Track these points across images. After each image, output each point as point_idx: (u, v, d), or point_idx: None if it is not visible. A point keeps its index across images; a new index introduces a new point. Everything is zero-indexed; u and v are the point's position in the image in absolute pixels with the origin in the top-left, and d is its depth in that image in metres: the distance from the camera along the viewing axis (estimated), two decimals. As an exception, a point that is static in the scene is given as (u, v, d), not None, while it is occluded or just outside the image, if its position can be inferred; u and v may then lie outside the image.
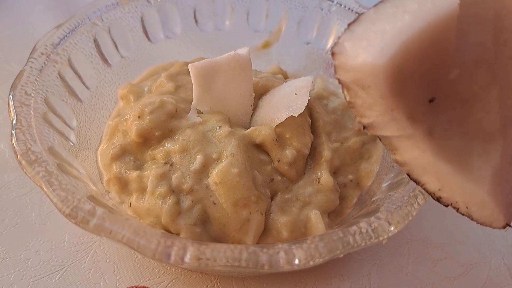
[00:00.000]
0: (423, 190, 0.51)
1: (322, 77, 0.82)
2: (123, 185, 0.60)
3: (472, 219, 0.50)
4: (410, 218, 0.49)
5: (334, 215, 0.63)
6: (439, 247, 0.68)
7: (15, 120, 0.54)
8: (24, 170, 0.50)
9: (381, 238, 0.47)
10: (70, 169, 0.55)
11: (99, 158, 0.65)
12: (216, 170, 0.56)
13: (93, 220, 0.46)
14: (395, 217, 0.49)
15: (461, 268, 0.66)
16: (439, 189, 0.49)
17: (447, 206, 0.50)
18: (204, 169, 0.57)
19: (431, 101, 0.48)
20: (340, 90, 0.76)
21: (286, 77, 0.79)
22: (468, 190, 0.48)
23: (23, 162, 0.50)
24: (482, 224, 0.50)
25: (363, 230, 0.48)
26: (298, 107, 0.61)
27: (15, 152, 0.51)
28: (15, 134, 0.52)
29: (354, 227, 0.48)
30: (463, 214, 0.50)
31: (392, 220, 0.49)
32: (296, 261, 0.44)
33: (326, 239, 0.47)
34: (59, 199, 0.47)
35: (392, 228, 0.48)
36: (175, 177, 0.57)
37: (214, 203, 0.56)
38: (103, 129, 0.70)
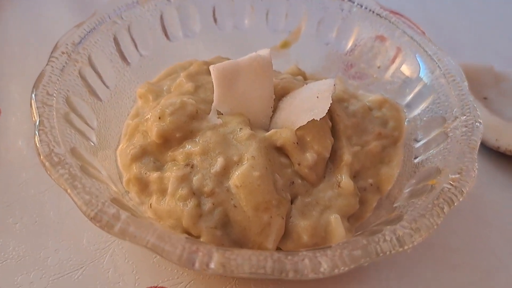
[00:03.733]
0: (447, 198, 0.51)
1: (341, 78, 0.81)
2: (143, 186, 0.60)
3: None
4: (435, 227, 0.49)
5: (354, 219, 0.63)
6: (457, 252, 0.67)
7: (38, 121, 0.54)
8: (48, 172, 0.50)
9: (406, 247, 0.47)
10: (92, 171, 0.55)
11: (118, 158, 0.65)
12: (237, 173, 0.56)
13: (118, 224, 0.46)
14: (420, 226, 0.49)
15: (480, 274, 0.65)
16: None
17: None
18: (225, 172, 0.57)
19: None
20: (360, 92, 0.76)
21: (305, 78, 0.78)
22: None
23: (47, 164, 0.50)
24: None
25: (388, 238, 0.47)
26: (320, 110, 0.60)
27: (39, 154, 0.51)
28: (39, 136, 0.52)
29: (379, 235, 0.48)
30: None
31: (417, 228, 0.48)
32: (322, 269, 0.44)
33: (351, 247, 0.47)
34: (84, 202, 0.47)
35: (417, 237, 0.47)
36: (196, 179, 0.57)
37: (235, 206, 0.55)
38: (121, 128, 0.70)
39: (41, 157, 0.51)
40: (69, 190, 0.48)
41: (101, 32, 0.70)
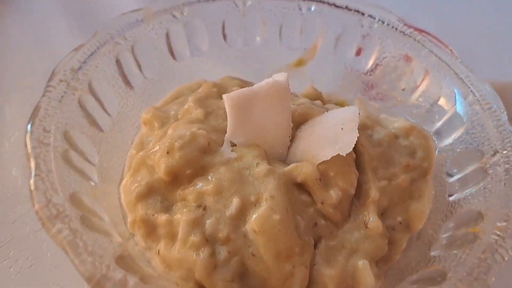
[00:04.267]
0: (496, 253, 0.45)
1: (361, 100, 0.75)
2: (149, 229, 0.55)
3: None
4: (485, 288, 0.43)
5: (382, 262, 0.57)
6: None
7: (34, 165, 0.48)
8: (45, 228, 0.44)
9: (455, 315, 0.41)
10: (93, 220, 0.49)
11: (122, 195, 0.59)
12: (254, 216, 0.50)
13: (125, 293, 0.40)
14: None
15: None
16: None
17: None
18: (241, 214, 0.52)
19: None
20: (382, 116, 0.70)
21: (321, 98, 0.73)
22: None
23: (43, 217, 0.44)
24: None
25: (433, 303, 0.42)
26: (346, 145, 0.55)
27: (33, 205, 0.45)
28: (34, 183, 0.46)
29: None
30: None
31: (466, 292, 0.43)
32: None
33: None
34: (85, 267, 0.41)
35: (468, 303, 0.42)
36: (209, 223, 0.51)
37: (253, 255, 0.50)
38: (125, 159, 0.64)
39: (36, 208, 0.45)
40: (69, 252, 0.42)
41: (103, 54, 0.64)
